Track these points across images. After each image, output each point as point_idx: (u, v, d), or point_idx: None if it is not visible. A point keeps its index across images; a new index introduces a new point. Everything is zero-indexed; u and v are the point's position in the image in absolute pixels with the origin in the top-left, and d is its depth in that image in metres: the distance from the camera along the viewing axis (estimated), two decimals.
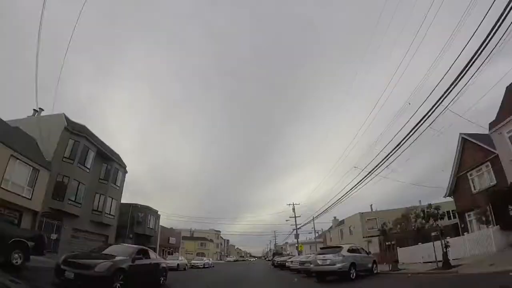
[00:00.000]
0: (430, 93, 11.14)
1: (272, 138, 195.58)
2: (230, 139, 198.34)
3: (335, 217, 52.49)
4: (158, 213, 39.45)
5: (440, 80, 10.50)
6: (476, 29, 7.89)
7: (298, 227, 46.48)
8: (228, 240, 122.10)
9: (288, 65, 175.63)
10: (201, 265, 34.15)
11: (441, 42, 12.06)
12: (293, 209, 47.03)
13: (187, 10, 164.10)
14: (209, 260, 41.50)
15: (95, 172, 25.90)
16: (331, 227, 54.49)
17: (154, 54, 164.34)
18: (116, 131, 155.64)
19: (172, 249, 47.26)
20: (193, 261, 35.38)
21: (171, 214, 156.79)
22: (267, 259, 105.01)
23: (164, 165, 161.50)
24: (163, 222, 45.80)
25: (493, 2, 7.10)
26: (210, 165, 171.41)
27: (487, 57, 8.13)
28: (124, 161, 31.43)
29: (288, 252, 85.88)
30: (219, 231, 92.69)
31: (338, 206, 38.73)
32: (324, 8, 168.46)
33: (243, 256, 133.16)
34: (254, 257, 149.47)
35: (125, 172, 31.20)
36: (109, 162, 27.72)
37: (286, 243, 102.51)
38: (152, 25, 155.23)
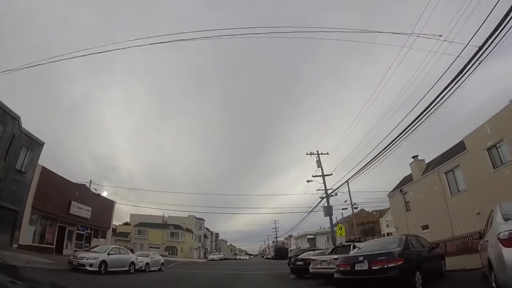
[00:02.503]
0: None
1: (271, 135, 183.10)
2: (228, 136, 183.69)
3: (415, 157, 25.30)
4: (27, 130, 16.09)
5: None
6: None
7: (329, 193, 24.14)
8: (217, 234, 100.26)
9: (287, 63, 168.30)
10: (90, 266, 12.31)
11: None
12: (318, 160, 24.91)
13: (185, 8, 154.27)
14: (149, 256, 19.52)
15: None
16: (400, 186, 27.83)
17: (151, 53, 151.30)
18: (112, 129, 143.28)
19: (85, 228, 24.80)
20: (74, 254, 13.46)
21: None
22: (265, 257, 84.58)
23: (160, 163, 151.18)
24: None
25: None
26: (208, 162, 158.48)
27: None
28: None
29: (292, 248, 64.27)
30: (202, 220, 70.20)
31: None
32: (323, 7, 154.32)
33: (236, 254, 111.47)
34: (250, 254, 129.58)
35: None
36: None
37: (290, 236, 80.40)
38: (149, 23, 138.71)
